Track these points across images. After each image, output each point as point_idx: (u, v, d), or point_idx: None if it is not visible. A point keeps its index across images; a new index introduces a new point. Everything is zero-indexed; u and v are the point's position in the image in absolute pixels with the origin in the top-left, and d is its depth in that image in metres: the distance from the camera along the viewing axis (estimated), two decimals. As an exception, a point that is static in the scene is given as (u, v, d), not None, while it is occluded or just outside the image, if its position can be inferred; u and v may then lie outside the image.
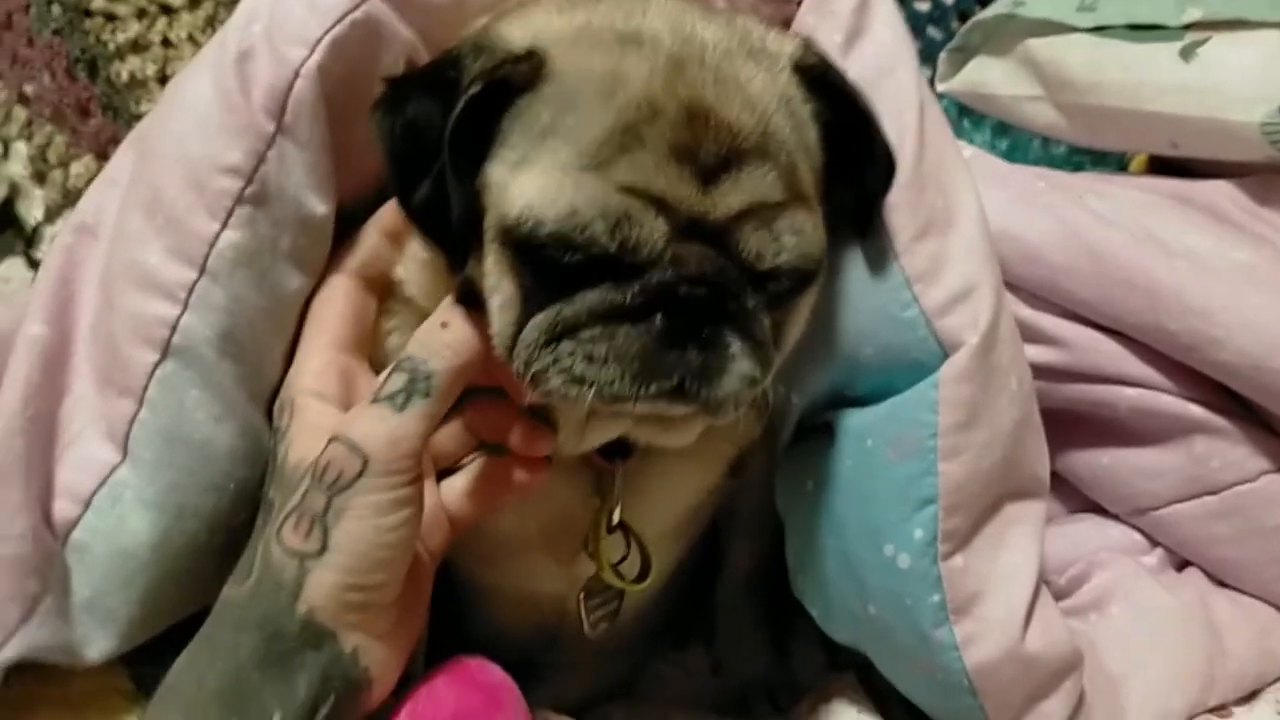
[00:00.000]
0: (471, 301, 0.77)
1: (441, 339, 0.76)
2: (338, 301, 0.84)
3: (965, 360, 0.84)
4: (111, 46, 1.40)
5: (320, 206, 0.83)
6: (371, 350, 0.87)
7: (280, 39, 0.81)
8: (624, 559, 0.90)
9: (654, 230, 0.71)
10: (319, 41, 0.81)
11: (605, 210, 0.70)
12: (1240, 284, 0.99)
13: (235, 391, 0.83)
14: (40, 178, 1.37)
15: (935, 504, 0.84)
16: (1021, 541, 0.88)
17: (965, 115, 1.59)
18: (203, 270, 0.80)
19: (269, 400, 0.86)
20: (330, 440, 0.73)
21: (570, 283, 0.72)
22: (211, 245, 0.80)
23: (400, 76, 0.78)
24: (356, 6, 0.81)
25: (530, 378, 0.73)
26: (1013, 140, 1.59)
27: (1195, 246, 1.02)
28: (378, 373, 0.84)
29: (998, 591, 0.85)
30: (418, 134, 0.73)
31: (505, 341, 0.75)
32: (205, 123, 0.81)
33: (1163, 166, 1.24)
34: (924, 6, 1.74)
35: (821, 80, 0.80)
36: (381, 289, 0.86)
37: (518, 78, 0.73)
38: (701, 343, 0.73)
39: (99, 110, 1.39)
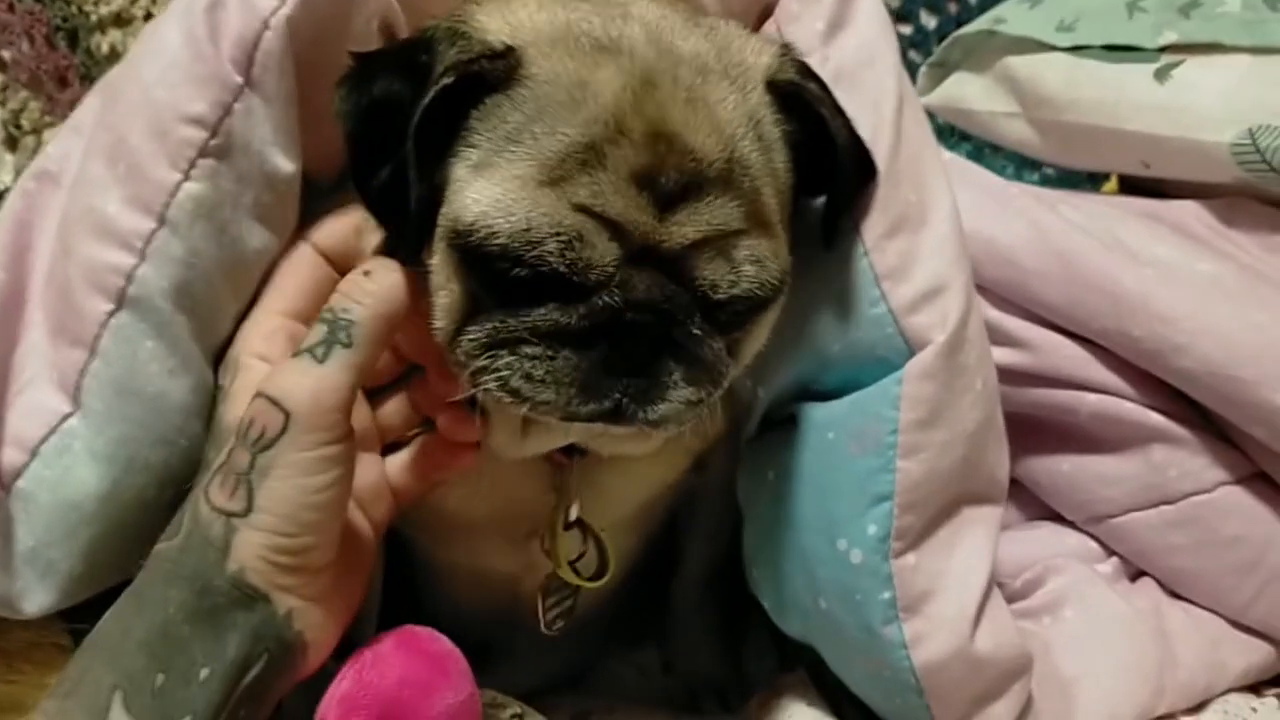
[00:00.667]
0: (399, 255, 0.76)
1: (363, 286, 0.74)
2: (300, 271, 0.83)
3: (930, 358, 0.84)
4: (94, 18, 1.39)
5: (286, 164, 0.82)
6: None
7: None
8: (581, 556, 0.89)
9: (605, 253, 0.70)
10: None
11: (558, 229, 0.69)
12: (1205, 293, 0.99)
13: (190, 346, 0.81)
14: (12, 143, 1.36)
15: (891, 500, 0.83)
16: (975, 544, 0.87)
17: (941, 137, 1.60)
18: (162, 220, 0.79)
19: (220, 358, 0.84)
20: (254, 396, 0.71)
21: (517, 294, 0.71)
22: (172, 195, 0.78)
23: (369, 54, 0.77)
24: None
25: (468, 374, 0.73)
26: (987, 165, 1.60)
27: (1163, 256, 1.02)
28: None
29: (949, 591, 0.85)
30: (382, 116, 0.71)
31: (446, 335, 0.74)
32: (171, 70, 0.79)
33: (1134, 191, 1.25)
34: (906, 30, 1.76)
35: (794, 99, 0.79)
36: (344, 269, 0.82)
37: (492, 74, 0.72)
38: (642, 370, 0.72)
39: (76, 80, 1.38)
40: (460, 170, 0.72)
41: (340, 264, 0.83)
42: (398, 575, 0.99)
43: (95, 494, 0.79)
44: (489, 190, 0.70)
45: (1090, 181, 1.43)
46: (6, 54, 1.36)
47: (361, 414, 0.80)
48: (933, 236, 0.87)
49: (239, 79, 0.79)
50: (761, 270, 0.74)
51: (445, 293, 0.74)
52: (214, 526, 0.70)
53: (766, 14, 0.93)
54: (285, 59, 0.80)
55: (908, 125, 0.89)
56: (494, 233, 0.69)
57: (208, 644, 0.69)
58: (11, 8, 1.36)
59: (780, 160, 0.78)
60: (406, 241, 0.74)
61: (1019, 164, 1.60)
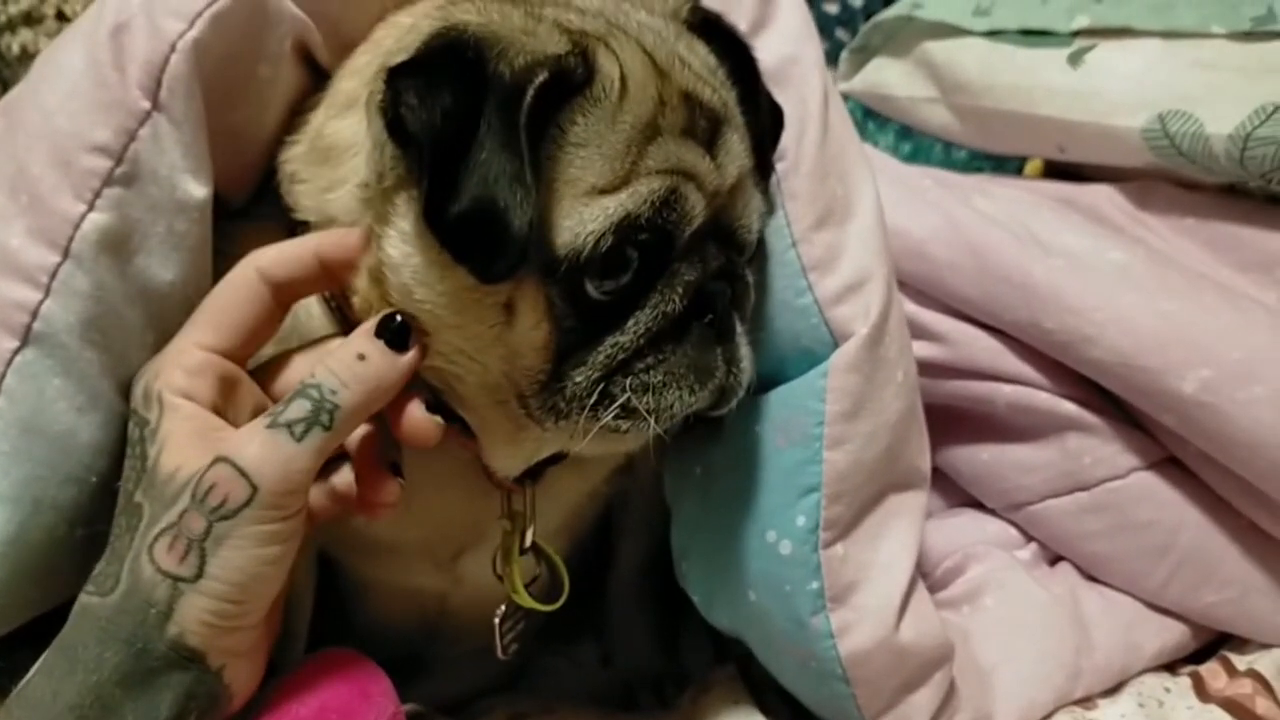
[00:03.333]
0: (392, 338, 0.72)
1: (356, 372, 0.71)
2: (242, 306, 0.76)
3: (854, 350, 0.85)
4: (3, 18, 1.35)
5: (198, 189, 0.79)
6: None
7: (158, 11, 0.77)
8: (535, 578, 0.90)
9: (696, 202, 0.73)
10: (199, 15, 0.76)
11: (653, 195, 0.71)
12: (1114, 283, 1.01)
13: (99, 382, 0.78)
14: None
15: (819, 492, 0.85)
16: (901, 533, 0.89)
17: (870, 118, 1.61)
18: (66, 254, 0.76)
19: None
20: (216, 459, 0.68)
21: (608, 314, 0.73)
22: (76, 227, 0.75)
23: (407, 65, 0.71)
24: None
25: (568, 416, 0.73)
26: (915, 144, 1.61)
27: (1073, 246, 1.04)
28: None
29: (875, 581, 0.86)
30: (457, 130, 0.67)
31: (540, 379, 0.73)
32: (74, 97, 0.76)
33: (1057, 173, 1.27)
34: (832, 9, 1.76)
35: (714, 31, 0.82)
36: (290, 300, 0.78)
37: (577, 76, 0.70)
38: (723, 334, 0.76)
39: (-15, 84, 1.35)
40: (541, 189, 0.69)
41: (288, 295, 0.77)
42: (327, 590, 0.99)
43: (3, 536, 0.77)
44: (576, 205, 0.70)
45: (1012, 163, 1.44)
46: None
47: None
48: (858, 229, 0.89)
49: (146, 104, 0.76)
50: (762, 205, 0.80)
51: (535, 335, 0.72)
52: (158, 590, 0.68)
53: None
54: (193, 82, 0.78)
55: (833, 119, 0.91)
56: (601, 234, 0.69)
57: (140, 706, 0.68)
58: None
59: (736, 98, 0.81)
60: (502, 269, 0.68)
61: (946, 145, 1.61)
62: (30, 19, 1.36)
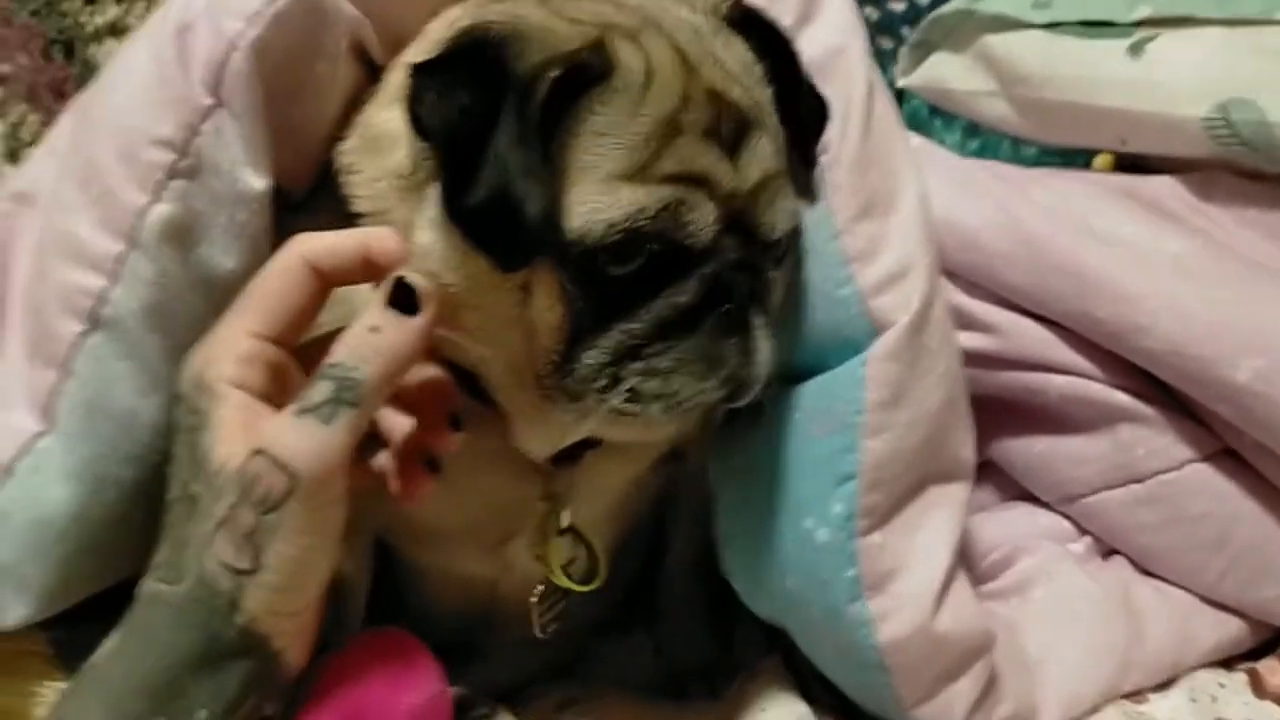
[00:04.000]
0: (405, 304, 0.73)
1: (372, 344, 0.71)
2: (291, 291, 0.76)
3: (895, 339, 0.86)
4: (89, 29, 1.40)
5: (258, 182, 0.82)
6: None
7: (220, 12, 0.81)
8: (573, 560, 0.91)
9: (707, 215, 0.74)
10: (258, 14, 0.80)
11: (665, 201, 0.72)
12: (1168, 273, 0.99)
13: (162, 365, 0.82)
14: (13, 155, 1.38)
15: (856, 480, 0.85)
16: (940, 523, 0.89)
17: (936, 115, 1.59)
18: (132, 243, 0.80)
19: None
20: (254, 452, 0.69)
21: (626, 298, 0.74)
22: (141, 218, 0.79)
23: (431, 63, 0.75)
24: None
25: (580, 398, 0.75)
26: (983, 141, 1.58)
27: (1129, 236, 1.03)
28: None
29: (912, 570, 0.86)
30: (469, 127, 0.70)
31: (554, 360, 0.76)
32: (140, 94, 0.81)
33: (1126, 168, 1.25)
34: (899, 6, 1.74)
35: (754, 26, 0.83)
36: (335, 286, 0.78)
37: (594, 68, 0.72)
38: (740, 326, 0.76)
39: (74, 91, 1.39)
40: (556, 177, 0.72)
41: (333, 283, 0.78)
42: (384, 576, 1.01)
43: (67, 512, 0.81)
44: (591, 190, 0.72)
45: (1081, 157, 1.42)
46: (5, 68, 1.38)
47: None
48: (900, 220, 0.89)
49: (208, 100, 0.80)
50: (795, 204, 0.80)
51: (549, 314, 0.75)
52: (221, 581, 0.70)
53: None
54: (254, 79, 0.81)
55: (877, 111, 0.91)
56: (611, 225, 0.71)
57: (208, 688, 0.69)
58: (8, 22, 1.39)
59: (771, 99, 0.81)
60: (517, 258, 0.72)
61: (1014, 142, 1.58)
62: (115, 29, 1.42)
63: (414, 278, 0.73)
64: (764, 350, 0.78)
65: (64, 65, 1.40)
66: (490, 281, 0.74)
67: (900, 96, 1.57)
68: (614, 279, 0.73)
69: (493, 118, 0.69)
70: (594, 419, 0.77)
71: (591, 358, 0.75)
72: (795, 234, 0.82)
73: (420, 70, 0.73)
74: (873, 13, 1.70)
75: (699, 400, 0.77)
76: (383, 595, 1.02)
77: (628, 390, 0.74)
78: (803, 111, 0.84)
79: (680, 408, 0.76)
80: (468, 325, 0.77)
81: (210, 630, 0.70)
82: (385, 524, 0.96)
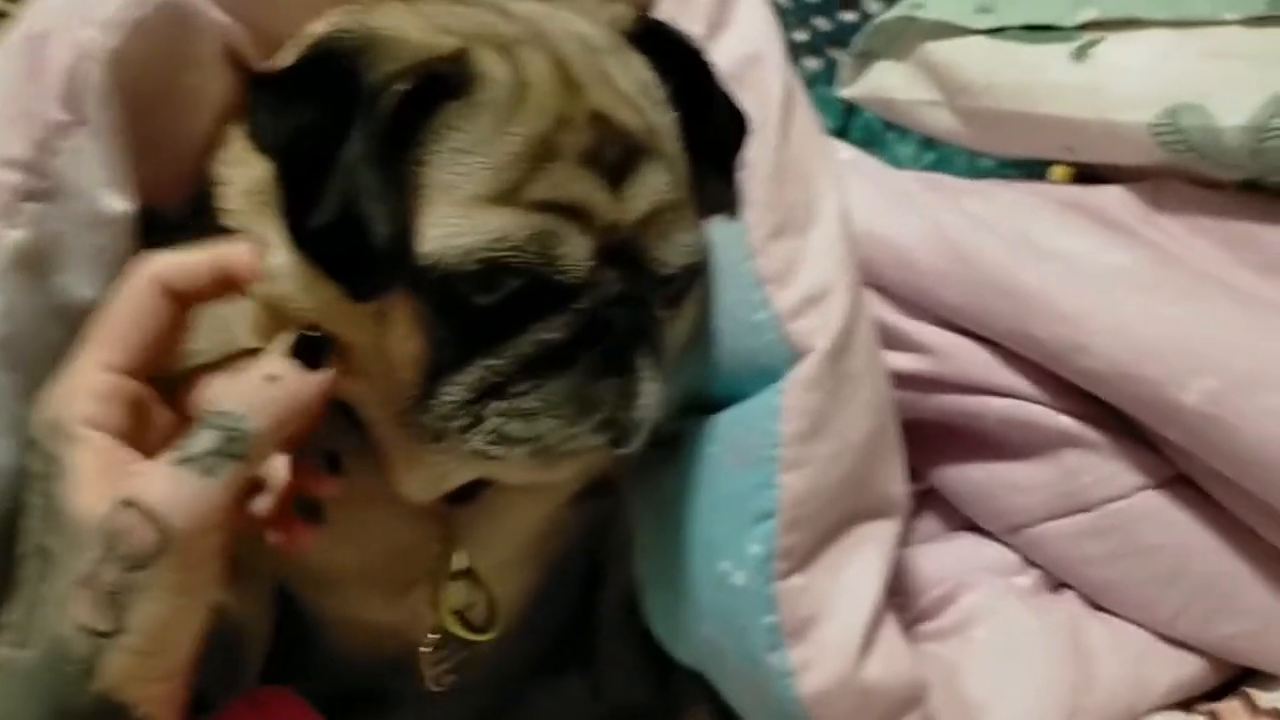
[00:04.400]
0: (306, 354, 0.69)
1: (267, 394, 0.66)
2: (145, 319, 0.71)
3: (813, 366, 0.81)
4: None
5: (119, 203, 0.76)
6: None
7: (75, 21, 0.75)
8: (470, 606, 0.85)
9: (579, 247, 0.67)
10: (116, 22, 0.74)
11: (530, 229, 0.66)
12: (1111, 288, 0.95)
13: (13, 405, 0.75)
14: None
15: (774, 518, 0.80)
16: (867, 564, 0.84)
17: (891, 128, 1.56)
18: None
19: None
20: (122, 502, 0.63)
21: (488, 330, 0.68)
22: None
23: (271, 76, 0.71)
24: None
25: (442, 437, 0.69)
26: (939, 154, 1.56)
27: (1069, 250, 0.98)
28: None
29: (837, 615, 0.81)
30: (312, 142, 0.65)
31: (413, 393, 0.69)
32: None
33: (1085, 179, 1.21)
34: (851, 17, 1.71)
35: (662, 41, 0.77)
36: (191, 309, 0.74)
37: (450, 79, 0.67)
38: (620, 367, 0.70)
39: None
40: (410, 196, 0.66)
41: (191, 304, 0.73)
42: (289, 624, 0.96)
43: None
44: (448, 212, 0.66)
45: (1039, 168, 1.38)
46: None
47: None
48: (819, 238, 0.85)
49: (63, 116, 0.74)
50: (696, 236, 0.73)
51: (406, 344, 0.69)
52: (77, 645, 0.64)
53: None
54: (113, 93, 0.75)
55: (795, 123, 0.87)
56: (468, 253, 0.65)
57: None
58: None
59: (673, 120, 0.76)
60: (367, 286, 0.66)
61: (971, 154, 1.54)
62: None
63: (320, 331, 0.68)
64: (648, 394, 0.71)
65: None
66: (344, 308, 0.68)
67: (852, 109, 1.55)
68: (477, 309, 0.67)
69: (340, 133, 0.63)
70: (464, 461, 0.72)
71: (451, 394, 0.68)
72: (695, 270, 0.75)
73: (257, 83, 0.69)
74: (825, 23, 1.67)
75: (571, 446, 0.70)
76: (287, 644, 0.96)
77: (490, 431, 0.68)
78: (719, 128, 0.78)
79: (550, 453, 0.70)
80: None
81: (63, 699, 0.64)
82: (280, 569, 0.90)
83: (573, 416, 0.69)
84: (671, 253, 0.72)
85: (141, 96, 0.77)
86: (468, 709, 1.06)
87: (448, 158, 0.66)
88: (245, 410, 0.65)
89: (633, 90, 0.73)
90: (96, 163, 0.76)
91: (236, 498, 0.66)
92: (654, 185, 0.71)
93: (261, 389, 0.67)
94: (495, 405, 0.68)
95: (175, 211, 0.83)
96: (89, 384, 0.69)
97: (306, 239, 0.65)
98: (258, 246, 0.71)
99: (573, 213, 0.67)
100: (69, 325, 0.77)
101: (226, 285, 0.72)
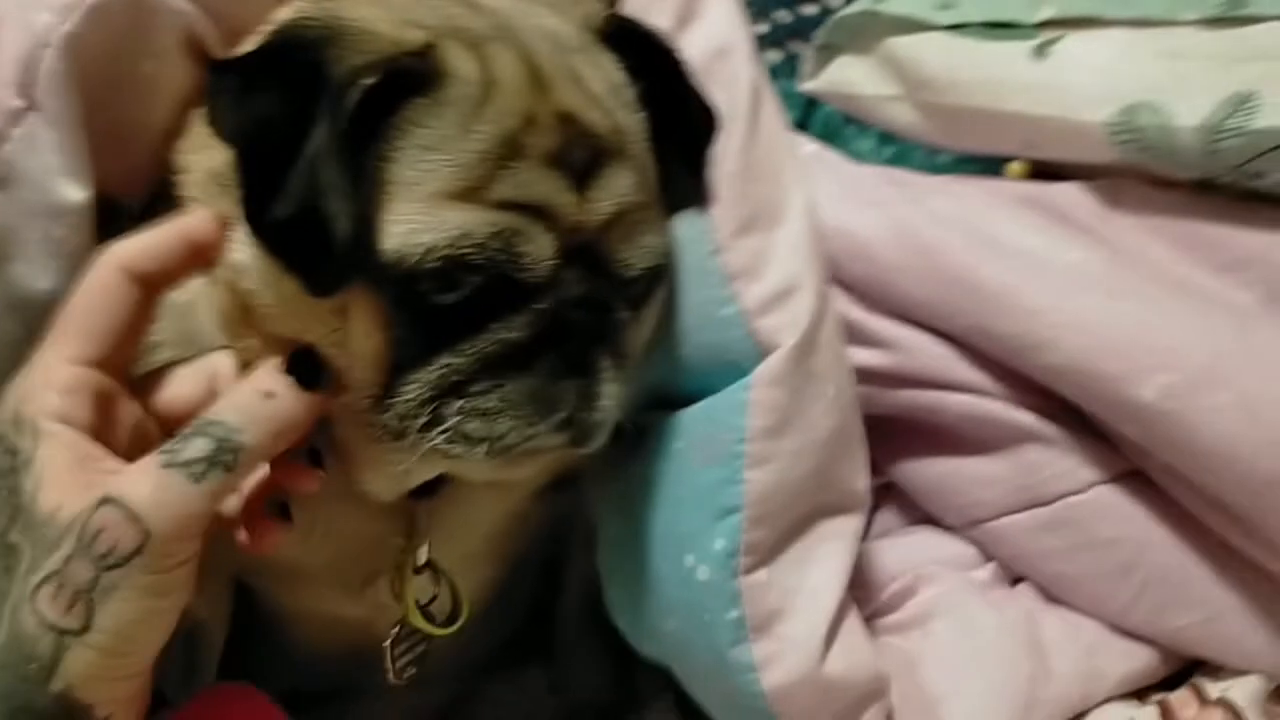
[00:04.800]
0: (302, 372, 0.68)
1: (262, 409, 0.66)
2: (110, 308, 0.70)
3: (780, 363, 0.81)
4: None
5: (76, 193, 0.75)
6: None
7: (30, 5, 0.74)
8: (433, 599, 0.85)
9: (543, 247, 0.67)
10: (73, 8, 0.73)
11: (494, 227, 0.65)
12: (1069, 284, 0.95)
13: None
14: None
15: (739, 513, 0.80)
16: (830, 559, 0.84)
17: (850, 122, 1.56)
18: None
19: None
20: (103, 500, 0.63)
21: (449, 329, 0.67)
22: None
23: (232, 61, 0.70)
24: None
25: (403, 436, 0.69)
26: (898, 149, 1.56)
27: (1028, 246, 0.98)
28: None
29: (800, 610, 0.82)
30: (274, 133, 0.64)
31: (373, 391, 0.69)
32: None
33: (1043, 175, 1.21)
34: (811, 9, 1.71)
35: (632, 39, 0.77)
36: (159, 293, 0.73)
37: (417, 74, 0.66)
38: (581, 368, 0.70)
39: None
40: (374, 191, 0.66)
41: (157, 287, 0.72)
42: (239, 613, 0.94)
43: None
44: (411, 209, 0.65)
45: (996, 165, 1.39)
46: None
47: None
48: (787, 234, 0.85)
49: (18, 103, 0.73)
50: (659, 239, 0.73)
51: (366, 342, 0.68)
52: (41, 643, 0.63)
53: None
54: (69, 79, 0.74)
55: (764, 118, 0.87)
56: (430, 249, 0.64)
57: None
58: None
59: (640, 123, 0.76)
60: (327, 281, 0.66)
61: (930, 147, 1.55)
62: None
63: (317, 350, 0.69)
64: (608, 395, 0.72)
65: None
66: (306, 303, 0.68)
67: (812, 103, 1.55)
68: (439, 307, 0.67)
69: (303, 125, 0.62)
70: (425, 459, 0.71)
71: (411, 392, 0.68)
72: (659, 271, 0.75)
73: (217, 69, 0.68)
74: (786, 16, 1.67)
75: (530, 446, 0.70)
76: (245, 638, 0.95)
77: (449, 430, 0.68)
78: (689, 126, 0.79)
79: (509, 452, 0.70)
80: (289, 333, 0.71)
81: (19, 699, 0.63)
82: (242, 565, 0.89)
83: (531, 416, 0.69)
84: (635, 255, 0.72)
85: (99, 83, 0.76)
86: (428, 702, 1.07)
87: (412, 154, 0.66)
88: (240, 423, 0.65)
89: (602, 91, 0.73)
90: (51, 150, 0.75)
91: (216, 508, 0.66)
92: (619, 187, 0.71)
93: (258, 404, 0.66)
94: (455, 404, 0.68)
95: (135, 202, 0.82)
96: (55, 377, 0.68)
97: (266, 231, 0.64)
98: (219, 218, 0.71)
99: (537, 212, 0.67)
100: (25, 319, 0.76)
101: (192, 259, 0.71)
